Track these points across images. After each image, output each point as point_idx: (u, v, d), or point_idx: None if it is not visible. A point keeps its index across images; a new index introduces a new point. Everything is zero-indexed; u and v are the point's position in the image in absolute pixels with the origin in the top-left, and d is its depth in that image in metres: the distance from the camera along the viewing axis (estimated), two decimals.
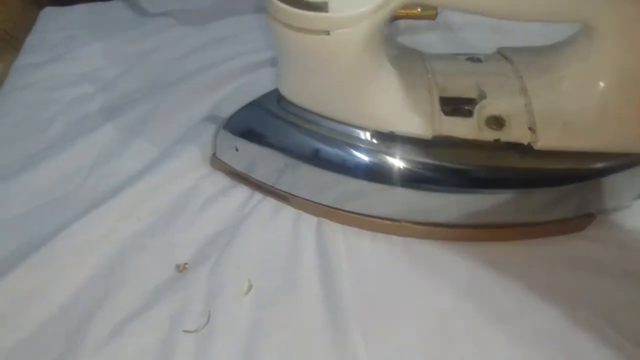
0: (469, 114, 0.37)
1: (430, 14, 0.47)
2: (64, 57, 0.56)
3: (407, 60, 0.39)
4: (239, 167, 0.43)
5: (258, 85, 0.51)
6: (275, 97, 0.39)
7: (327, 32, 0.31)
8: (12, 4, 0.81)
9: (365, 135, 0.37)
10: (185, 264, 0.38)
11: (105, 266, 0.38)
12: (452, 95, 0.38)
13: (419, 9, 0.45)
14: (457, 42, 0.54)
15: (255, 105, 0.40)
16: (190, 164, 0.44)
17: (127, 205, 0.41)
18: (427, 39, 0.55)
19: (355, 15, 0.31)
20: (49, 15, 0.62)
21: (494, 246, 0.39)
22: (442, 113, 0.36)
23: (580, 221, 0.40)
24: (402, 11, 0.45)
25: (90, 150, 0.46)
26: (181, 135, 0.47)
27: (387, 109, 0.36)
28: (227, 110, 0.48)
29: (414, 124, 0.36)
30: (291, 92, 0.38)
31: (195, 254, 0.39)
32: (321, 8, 0.31)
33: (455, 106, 0.38)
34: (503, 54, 0.41)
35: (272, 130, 0.39)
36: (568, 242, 0.40)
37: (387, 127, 0.36)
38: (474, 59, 0.42)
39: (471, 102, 0.39)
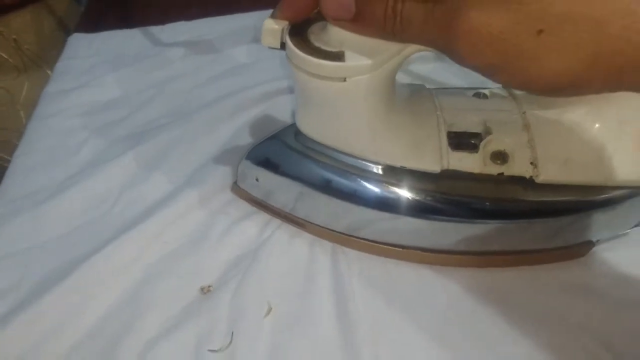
0: (475, 149, 0.40)
1: None
2: (91, 85, 0.60)
3: (417, 97, 0.42)
4: (259, 195, 0.46)
5: (275, 112, 0.55)
6: (293, 132, 0.43)
7: (344, 79, 0.34)
8: (41, 28, 0.86)
9: (377, 169, 0.40)
10: (210, 286, 0.42)
11: (134, 290, 0.42)
12: (459, 131, 0.41)
13: None
14: (464, 73, 0.57)
15: (274, 138, 0.44)
16: (213, 191, 0.48)
17: (154, 230, 0.45)
18: (436, 68, 0.58)
19: (370, 64, 0.34)
20: (76, 41, 0.67)
21: (497, 272, 0.42)
22: (449, 148, 0.40)
23: (580, 248, 0.43)
24: None
25: (117, 176, 0.50)
26: (203, 162, 0.50)
27: (398, 146, 0.39)
28: (246, 138, 0.52)
29: (423, 160, 0.39)
30: (308, 128, 0.41)
31: (218, 277, 0.42)
32: (338, 57, 0.34)
33: (462, 141, 0.41)
34: (508, 90, 0.44)
35: (290, 162, 0.43)
36: (568, 268, 0.42)
37: (398, 162, 0.39)
38: (480, 94, 0.45)
39: (477, 137, 0.42)
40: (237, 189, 0.48)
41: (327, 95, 0.36)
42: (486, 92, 0.46)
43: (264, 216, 0.46)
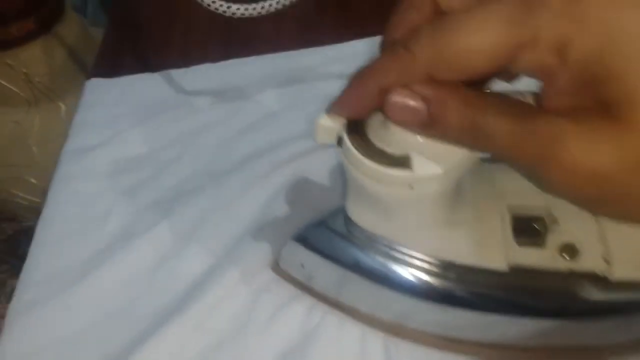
0: (541, 240, 0.38)
1: None
2: (114, 141, 0.57)
3: (477, 180, 0.39)
4: (303, 279, 0.43)
5: (312, 173, 0.52)
6: (342, 218, 0.40)
7: (410, 187, 0.31)
8: (52, 60, 0.82)
9: (437, 264, 0.37)
10: None
11: None
12: (523, 216, 0.38)
13: None
14: None
15: (322, 225, 0.41)
16: (252, 270, 0.45)
17: (194, 318, 0.42)
18: None
19: (441, 173, 0.31)
20: (94, 88, 0.63)
21: None
22: (515, 243, 0.37)
23: None
24: None
25: (148, 253, 0.47)
26: (239, 234, 0.48)
27: (460, 243, 0.36)
28: (283, 204, 0.49)
29: (487, 257, 0.36)
30: (361, 219, 0.38)
31: None
32: (404, 163, 0.31)
33: (527, 233, 0.38)
34: None
35: (341, 251, 0.40)
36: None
37: (462, 259, 0.37)
38: None
39: (541, 221, 0.39)
40: (278, 269, 0.45)
41: (388, 198, 0.34)
42: None
43: (308, 300, 0.44)
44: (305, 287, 0.44)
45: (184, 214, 0.49)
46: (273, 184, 0.51)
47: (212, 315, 0.43)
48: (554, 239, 0.37)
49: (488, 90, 0.30)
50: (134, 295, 0.45)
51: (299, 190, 0.51)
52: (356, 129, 0.33)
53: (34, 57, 0.78)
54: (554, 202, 0.38)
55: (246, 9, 0.46)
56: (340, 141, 0.34)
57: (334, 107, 0.32)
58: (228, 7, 0.45)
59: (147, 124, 0.58)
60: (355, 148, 0.32)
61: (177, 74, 0.63)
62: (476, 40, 0.25)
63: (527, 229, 0.39)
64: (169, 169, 0.54)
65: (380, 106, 0.30)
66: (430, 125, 0.29)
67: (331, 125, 0.33)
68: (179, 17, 0.71)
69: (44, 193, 0.54)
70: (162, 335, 0.41)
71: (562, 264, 0.37)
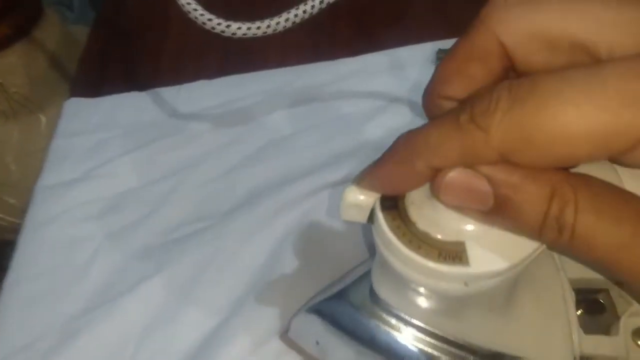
0: (610, 318, 0.31)
1: None
2: (95, 174, 0.49)
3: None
4: (317, 354, 0.37)
5: (328, 214, 0.45)
6: (367, 291, 0.33)
7: (466, 284, 0.24)
8: (30, 68, 0.74)
9: (483, 355, 0.31)
10: None
11: None
12: (588, 292, 0.32)
13: None
14: None
15: (341, 298, 0.34)
16: (256, 340, 0.38)
17: None
18: None
19: (504, 269, 0.24)
20: (74, 109, 0.55)
21: None
22: (581, 331, 0.30)
23: None
24: None
25: (136, 314, 0.40)
26: (240, 293, 0.41)
27: (519, 334, 0.30)
28: (290, 257, 0.42)
29: (550, 351, 0.30)
30: (393, 299, 0.31)
31: None
32: (460, 259, 0.24)
33: (596, 313, 0.31)
34: None
35: (363, 330, 0.33)
36: None
37: (519, 353, 0.30)
38: None
39: (608, 297, 0.32)
40: (287, 339, 0.38)
41: (432, 291, 0.27)
42: None
43: None
44: None
45: (176, 268, 0.42)
46: (280, 229, 0.44)
47: None
48: (627, 325, 0.31)
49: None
50: None
51: (310, 237, 0.44)
52: (393, 204, 0.26)
53: (10, 66, 0.71)
54: None
55: (249, 29, 0.38)
56: (372, 217, 0.27)
57: (367, 180, 0.25)
58: (227, 27, 0.38)
59: (135, 154, 0.51)
60: (393, 232, 0.25)
61: (170, 93, 0.55)
62: (579, 121, 0.18)
63: (591, 305, 0.33)
64: (161, 208, 0.47)
65: (426, 181, 0.23)
66: (497, 213, 0.22)
67: (362, 200, 0.26)
68: (171, 24, 0.63)
69: (23, 212, 0.47)
70: None
71: (638, 353, 0.31)
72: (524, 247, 0.24)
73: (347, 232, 0.43)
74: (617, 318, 0.32)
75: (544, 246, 0.25)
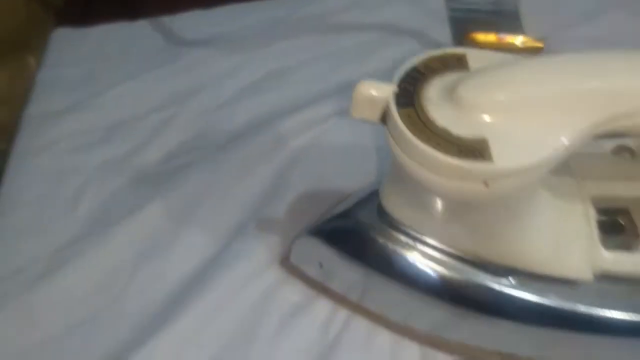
0: (631, 238, 0.29)
1: None
2: (86, 104, 0.47)
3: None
4: (320, 279, 0.35)
5: (331, 144, 0.43)
6: (375, 209, 0.31)
7: (486, 183, 0.22)
8: (15, 6, 0.69)
9: (498, 271, 0.29)
10: None
11: None
12: (608, 212, 0.30)
13: None
14: None
15: (349, 216, 0.32)
16: (258, 267, 0.37)
17: (185, 330, 0.34)
18: None
19: (524, 167, 0.22)
20: (62, 40, 0.52)
21: None
22: (602, 247, 0.28)
23: None
24: None
25: (129, 243, 0.38)
26: (241, 220, 0.39)
27: (535, 247, 0.28)
28: (294, 184, 0.40)
29: (569, 265, 0.28)
30: (402, 213, 0.29)
31: None
32: (481, 155, 0.22)
33: (612, 226, 0.30)
34: None
35: (371, 249, 0.31)
36: None
37: (533, 267, 0.28)
38: (622, 148, 0.33)
39: (626, 217, 0.31)
40: (288, 264, 0.36)
41: (451, 196, 0.25)
42: (630, 143, 0.34)
43: (327, 303, 0.35)
44: (322, 287, 0.36)
45: (173, 196, 0.40)
46: (281, 159, 0.43)
47: (209, 324, 0.34)
48: None
49: None
50: (111, 298, 0.36)
51: (312, 167, 0.42)
52: (410, 99, 0.24)
53: None
54: None
55: None
56: (385, 117, 0.25)
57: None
58: None
59: (128, 83, 0.49)
60: (409, 128, 0.23)
61: (163, 23, 0.52)
62: None
63: (611, 221, 0.31)
64: (155, 139, 0.45)
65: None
66: None
67: (375, 96, 0.24)
68: None
69: None
70: (147, 350, 0.33)
71: None
72: (549, 144, 0.22)
73: (352, 162, 0.41)
74: (638, 237, 0.30)
75: (570, 145, 0.23)
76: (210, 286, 0.36)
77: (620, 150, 0.33)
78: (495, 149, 0.22)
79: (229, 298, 0.35)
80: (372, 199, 0.32)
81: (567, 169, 0.31)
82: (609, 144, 0.34)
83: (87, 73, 0.49)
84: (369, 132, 0.42)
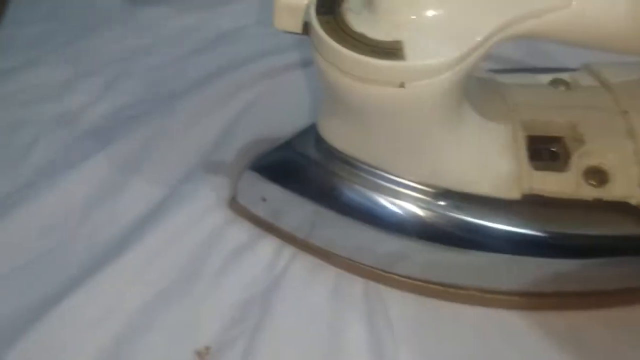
0: (563, 163, 0.30)
1: None
2: (41, 61, 0.47)
3: (485, 95, 0.31)
4: (266, 216, 0.36)
5: (282, 97, 0.44)
6: (313, 139, 0.32)
7: (401, 84, 0.23)
8: None
9: (431, 193, 0.29)
10: (208, 348, 0.32)
11: (110, 350, 0.32)
12: (542, 141, 0.30)
13: None
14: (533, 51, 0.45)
15: (287, 147, 0.33)
16: (205, 208, 0.37)
17: (132, 267, 0.34)
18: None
19: (439, 64, 0.22)
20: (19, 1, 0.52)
21: (580, 315, 0.33)
22: (530, 167, 0.29)
23: None
24: None
25: (80, 188, 0.39)
26: (192, 165, 0.40)
27: (464, 166, 0.29)
28: (244, 133, 0.41)
29: (497, 184, 0.29)
30: (336, 138, 0.30)
31: (219, 334, 0.32)
32: (394, 52, 0.22)
33: (546, 155, 0.30)
34: (597, 75, 0.33)
35: (310, 179, 0.32)
36: None
37: (463, 187, 0.29)
38: (558, 81, 0.34)
39: (560, 143, 0.31)
40: (236, 205, 0.37)
41: (374, 104, 0.25)
42: (566, 77, 0.35)
43: (274, 242, 0.36)
44: (269, 226, 0.36)
45: (124, 144, 0.41)
46: (233, 110, 0.43)
47: (156, 261, 0.35)
48: (578, 162, 0.30)
49: None
50: (62, 237, 0.36)
51: (263, 115, 0.42)
52: (329, 9, 0.25)
53: None
54: (580, 116, 0.31)
55: None
56: (307, 27, 0.25)
57: None
58: None
59: (83, 41, 0.49)
60: (327, 33, 0.24)
61: None
62: None
63: (542, 150, 0.31)
64: (108, 93, 0.45)
65: None
66: None
67: (296, 3, 0.24)
68: None
69: None
70: (95, 286, 0.33)
71: (588, 191, 0.30)
72: (462, 43, 0.23)
73: (303, 111, 0.42)
74: (568, 161, 0.31)
75: (485, 48, 0.23)
76: (157, 227, 0.36)
77: (556, 83, 0.34)
78: (409, 49, 0.23)
79: (175, 238, 0.36)
80: (311, 130, 0.32)
81: (499, 98, 0.31)
82: (546, 77, 0.34)
83: (44, 32, 0.49)
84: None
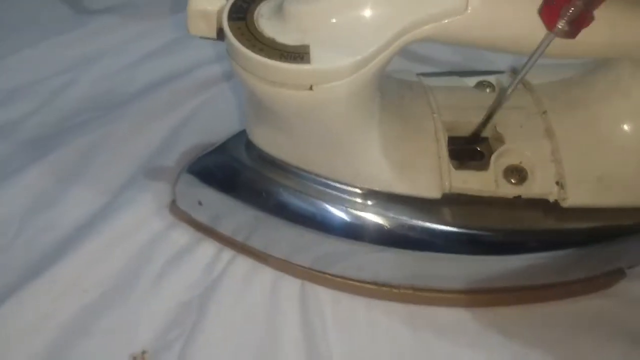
0: (484, 163, 0.31)
1: None
2: None
3: (406, 94, 0.32)
4: (204, 220, 0.36)
5: (221, 104, 0.44)
6: (243, 142, 0.32)
7: (309, 87, 0.24)
8: None
9: (357, 194, 0.30)
10: (144, 352, 0.32)
11: (45, 356, 0.31)
12: (463, 141, 0.32)
13: None
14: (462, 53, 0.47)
15: (220, 151, 0.33)
16: (145, 214, 0.37)
17: (70, 273, 0.34)
18: (429, 48, 0.47)
19: (346, 66, 0.23)
20: None
21: (508, 310, 0.34)
22: (451, 166, 0.30)
23: (607, 279, 0.35)
24: None
25: (19, 196, 0.38)
26: (132, 173, 0.40)
27: (384, 166, 0.29)
28: (186, 140, 0.42)
29: (418, 183, 0.30)
30: (264, 142, 0.31)
31: (156, 338, 0.32)
32: (300, 56, 0.23)
33: (467, 154, 0.31)
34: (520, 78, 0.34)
35: (241, 182, 0.33)
36: (592, 301, 0.35)
37: (385, 187, 0.30)
38: (484, 83, 0.35)
39: (484, 143, 0.32)
40: (176, 209, 0.37)
41: (288, 107, 0.26)
42: (492, 79, 0.36)
43: (212, 245, 0.36)
44: (208, 230, 0.36)
45: (65, 153, 0.41)
46: (175, 119, 0.43)
47: (95, 268, 0.35)
48: (499, 162, 0.31)
49: None
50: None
51: (205, 123, 0.42)
52: (241, 15, 0.25)
53: None
54: (500, 116, 0.32)
55: None
56: (221, 32, 0.26)
57: None
58: None
59: (31, 49, 0.49)
60: (239, 40, 0.24)
61: None
62: None
63: (467, 150, 0.32)
64: (54, 101, 0.45)
65: None
66: None
67: (208, 9, 0.25)
68: None
69: None
70: (30, 294, 0.33)
71: (508, 189, 0.31)
72: (366, 46, 0.24)
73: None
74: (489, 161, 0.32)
75: (391, 51, 0.24)
76: (97, 233, 0.36)
77: (482, 85, 0.35)
78: (315, 53, 0.23)
79: (114, 244, 0.36)
80: (242, 133, 0.33)
81: (424, 98, 0.32)
82: (472, 80, 0.36)
83: None
84: None
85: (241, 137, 0.33)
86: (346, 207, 0.30)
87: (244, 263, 0.35)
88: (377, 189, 0.29)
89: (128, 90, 0.45)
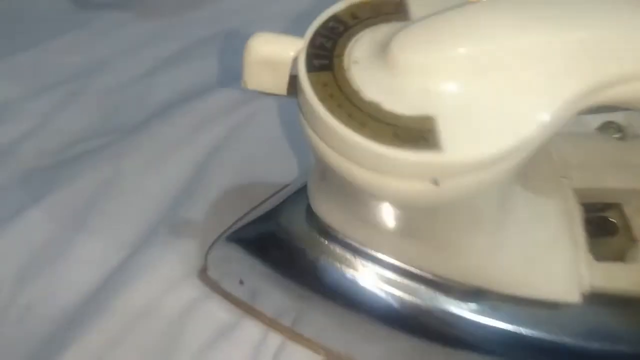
0: (625, 251, 0.23)
1: None
2: None
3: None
4: (242, 296, 0.28)
5: (257, 129, 0.36)
6: (303, 211, 0.24)
7: (435, 182, 0.15)
8: None
9: (462, 294, 0.22)
10: None
11: None
12: (599, 215, 0.24)
13: None
14: None
15: (272, 218, 0.25)
16: (172, 278, 0.30)
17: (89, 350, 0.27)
18: None
19: (492, 155, 0.15)
20: None
21: None
22: (591, 256, 0.22)
23: None
24: None
25: (10, 255, 0.31)
26: (151, 223, 0.32)
27: (507, 263, 0.21)
28: (215, 180, 0.33)
29: (550, 284, 0.22)
30: (335, 218, 0.23)
31: None
32: (426, 140, 0.15)
33: (605, 234, 0.23)
34: None
35: (301, 264, 0.25)
36: None
37: (505, 288, 0.22)
38: (610, 125, 0.27)
39: (620, 214, 0.24)
40: (207, 279, 0.29)
41: (388, 198, 0.18)
42: (619, 119, 0.28)
43: (254, 327, 0.28)
44: (248, 308, 0.29)
45: (67, 194, 0.33)
46: (202, 146, 0.35)
47: (111, 353, 0.27)
48: None
49: None
50: None
51: (240, 155, 0.34)
52: (326, 63, 0.17)
53: None
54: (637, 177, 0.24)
55: None
56: (294, 84, 0.17)
57: None
58: None
59: (23, 54, 0.41)
60: (323, 102, 0.16)
61: None
62: None
63: (600, 225, 0.25)
64: (52, 123, 0.37)
65: None
66: None
67: (276, 54, 0.17)
68: None
69: None
70: None
71: None
72: (521, 123, 0.15)
73: (287, 147, 0.34)
74: (632, 241, 0.24)
75: (550, 123, 0.16)
76: (111, 307, 0.29)
77: (607, 127, 0.27)
78: (445, 131, 0.15)
79: (133, 322, 0.28)
80: (300, 196, 0.25)
81: (545, 155, 0.24)
82: (594, 121, 0.27)
83: None
84: None
85: (298, 202, 0.25)
86: (447, 308, 0.22)
87: (295, 353, 0.28)
88: (494, 289, 0.22)
89: (141, 109, 0.38)
